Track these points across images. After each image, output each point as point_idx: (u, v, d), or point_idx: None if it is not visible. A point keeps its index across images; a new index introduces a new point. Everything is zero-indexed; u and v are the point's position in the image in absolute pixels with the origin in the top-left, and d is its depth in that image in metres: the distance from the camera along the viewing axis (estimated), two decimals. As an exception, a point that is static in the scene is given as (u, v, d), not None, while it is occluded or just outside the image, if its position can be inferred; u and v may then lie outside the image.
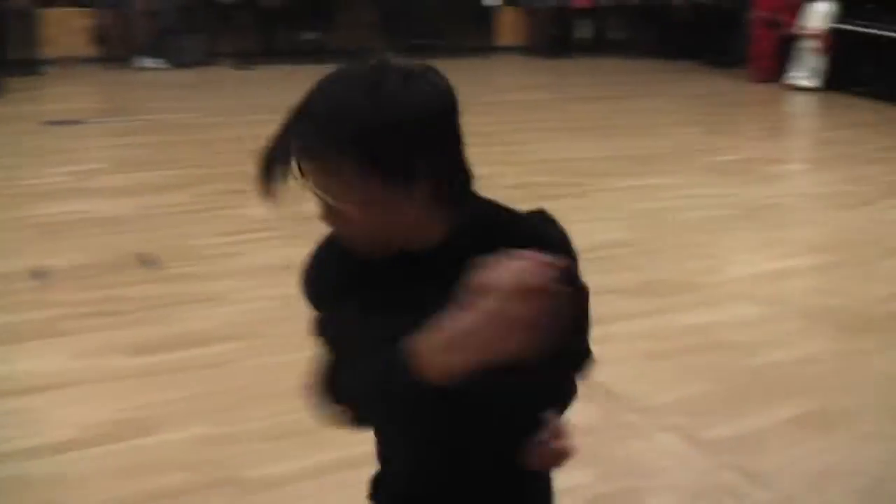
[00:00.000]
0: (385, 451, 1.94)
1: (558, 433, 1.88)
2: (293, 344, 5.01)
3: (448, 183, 1.64)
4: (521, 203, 5.68)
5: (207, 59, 13.10)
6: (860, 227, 7.89)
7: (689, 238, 7.27)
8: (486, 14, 15.26)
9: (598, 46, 16.37)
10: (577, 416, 4.40)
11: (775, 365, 5.24)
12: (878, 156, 10.70)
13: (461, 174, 1.71)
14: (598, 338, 5.39)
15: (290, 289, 5.26)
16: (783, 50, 14.97)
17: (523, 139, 9.89)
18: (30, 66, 11.77)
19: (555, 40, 15.67)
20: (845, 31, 14.44)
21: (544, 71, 14.68)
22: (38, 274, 5.82)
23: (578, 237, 6.18)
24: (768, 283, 6.41)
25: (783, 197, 8.67)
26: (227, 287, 5.79)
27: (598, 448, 4.24)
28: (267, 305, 5.51)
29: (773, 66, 15.06)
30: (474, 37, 15.22)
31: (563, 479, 3.91)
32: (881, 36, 13.98)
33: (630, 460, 4.21)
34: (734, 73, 15.65)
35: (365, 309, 1.61)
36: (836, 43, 14.41)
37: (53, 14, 12.33)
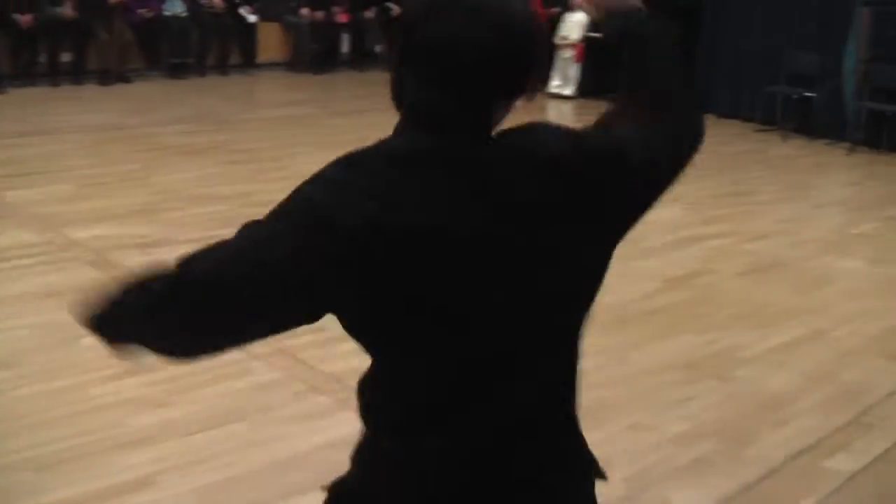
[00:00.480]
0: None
1: None
2: (60, 372, 4.94)
3: None
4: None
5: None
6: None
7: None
8: (249, 30, 15.16)
9: (359, 60, 16.45)
10: (342, 429, 4.49)
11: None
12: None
13: None
14: (359, 350, 5.46)
15: (53, 316, 5.19)
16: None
17: (284, 155, 9.87)
18: None
19: (316, 55, 15.68)
20: (597, 39, 14.92)
21: (306, 86, 14.68)
22: None
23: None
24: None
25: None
26: (-13, 316, 5.64)
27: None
28: (30, 334, 5.38)
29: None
30: (236, 54, 15.11)
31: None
32: (629, 44, 14.50)
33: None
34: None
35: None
36: (590, 51, 14.89)
37: None
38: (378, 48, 16.65)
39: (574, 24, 15.00)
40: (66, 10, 13.06)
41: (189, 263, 1.67)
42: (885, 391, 5.42)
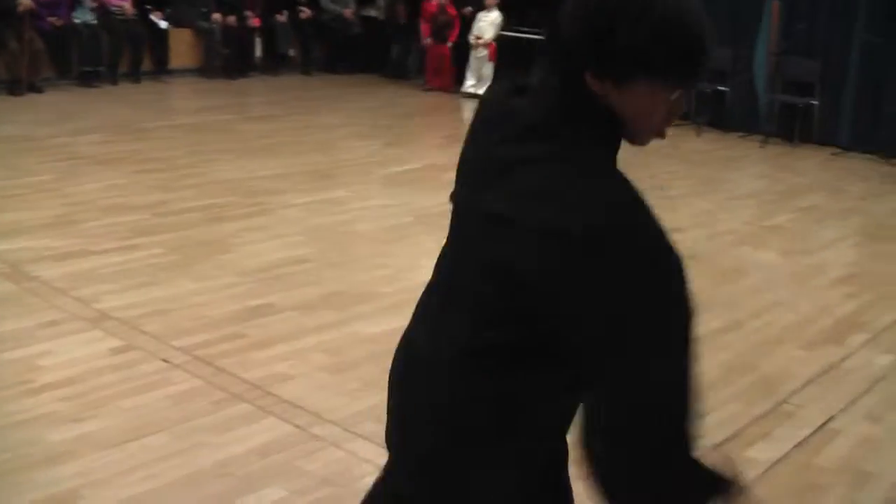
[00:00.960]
0: None
1: None
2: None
3: None
4: (204, 224, 5.62)
5: None
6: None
7: (369, 249, 7.39)
8: (161, 37, 15.00)
9: (272, 64, 16.37)
10: (265, 436, 4.48)
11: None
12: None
13: None
14: (281, 355, 5.45)
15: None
16: (455, 60, 15.47)
17: (198, 162, 9.79)
18: None
19: (229, 60, 15.57)
20: (511, 38, 15.02)
21: (220, 92, 14.55)
22: None
23: (258, 257, 6.24)
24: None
25: (459, 202, 8.89)
26: None
27: (290, 464, 4.29)
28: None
29: (446, 76, 15.52)
30: (148, 61, 14.94)
31: (255, 499, 3.96)
32: (541, 40, 14.62)
33: (326, 471, 4.26)
34: (406, 85, 16.04)
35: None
36: (503, 50, 14.98)
37: None
38: (291, 52, 16.59)
39: (487, 24, 15.07)
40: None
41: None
42: (803, 380, 5.50)
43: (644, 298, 1.66)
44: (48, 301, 5.99)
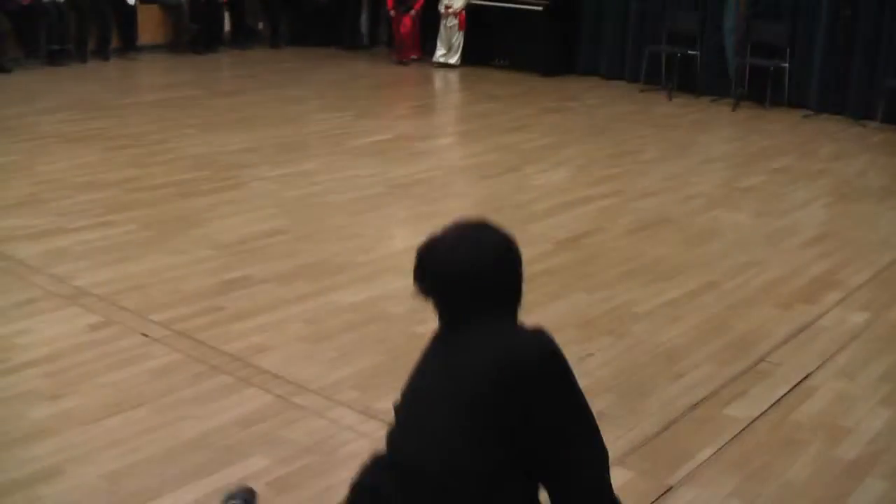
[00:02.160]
0: None
1: None
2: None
3: None
4: (177, 199, 5.66)
5: None
6: (506, 193, 8.26)
7: (342, 220, 7.39)
8: (129, 13, 14.88)
9: (241, 39, 16.29)
10: (247, 406, 4.50)
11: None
12: (518, 124, 11.20)
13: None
14: (259, 327, 5.46)
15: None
16: (423, 29, 15.42)
17: (169, 138, 9.76)
18: None
19: (197, 35, 15.49)
20: (480, 6, 15.00)
21: (188, 67, 14.47)
22: None
23: (232, 231, 6.24)
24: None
25: (431, 171, 8.91)
26: None
27: (272, 434, 4.31)
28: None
29: (415, 46, 15.48)
30: (116, 38, 14.83)
31: (238, 469, 3.98)
32: (512, 9, 14.62)
33: (308, 439, 4.28)
34: (376, 56, 15.98)
35: None
36: (473, 19, 14.97)
37: None
38: (260, 25, 16.52)
39: (455, -8, 15.05)
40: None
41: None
42: (779, 339, 5.54)
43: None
44: (24, 279, 5.98)
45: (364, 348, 5.24)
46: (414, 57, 15.47)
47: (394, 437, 2.65)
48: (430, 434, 2.48)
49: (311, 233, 7.05)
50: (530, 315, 5.58)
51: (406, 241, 6.98)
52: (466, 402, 2.43)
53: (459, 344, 2.52)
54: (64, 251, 6.48)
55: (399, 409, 2.67)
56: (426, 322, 5.40)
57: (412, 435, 2.56)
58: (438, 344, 2.65)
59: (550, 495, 2.50)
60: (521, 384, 2.40)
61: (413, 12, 15.27)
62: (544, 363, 2.46)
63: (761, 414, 4.67)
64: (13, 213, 7.22)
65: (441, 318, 2.62)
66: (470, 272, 2.54)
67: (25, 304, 5.61)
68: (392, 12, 15.39)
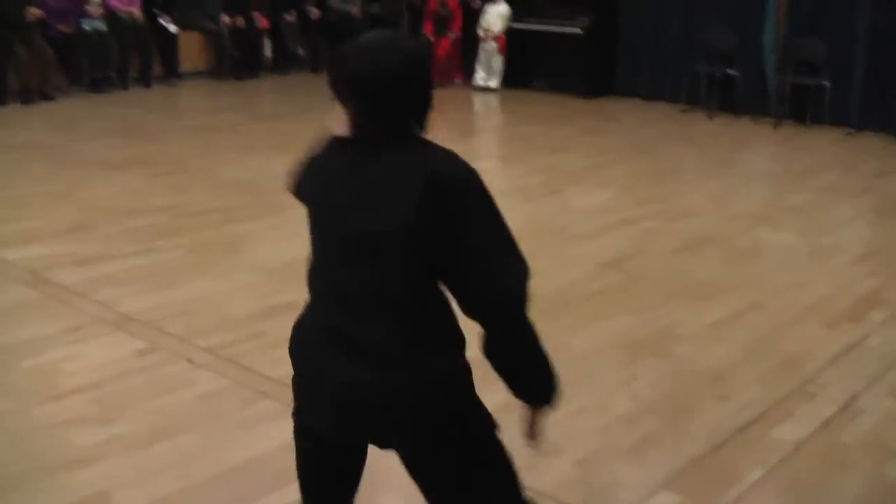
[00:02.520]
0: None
1: None
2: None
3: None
4: (221, 225, 5.68)
5: None
6: (548, 216, 8.25)
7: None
8: (170, 40, 15.01)
9: (282, 64, 16.38)
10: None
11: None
12: (559, 146, 11.21)
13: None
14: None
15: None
16: (462, 53, 15.46)
17: (211, 163, 9.83)
18: None
19: (238, 62, 15.60)
20: (519, 30, 15.03)
21: (230, 93, 14.56)
22: None
23: (275, 256, 6.25)
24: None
25: (473, 194, 8.88)
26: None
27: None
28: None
29: (456, 69, 15.52)
30: (158, 65, 14.96)
31: (285, 495, 3.95)
32: (551, 32, 14.65)
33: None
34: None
35: None
36: (512, 42, 14.99)
37: None
38: (300, 51, 16.60)
39: (496, 16, 15.07)
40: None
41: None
42: (825, 359, 5.50)
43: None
44: (70, 306, 6.03)
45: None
46: (458, 80, 15.50)
47: (318, 271, 2.76)
48: (356, 258, 2.59)
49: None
50: (574, 337, 5.60)
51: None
52: (392, 220, 2.50)
53: (378, 160, 2.58)
54: (110, 277, 6.53)
55: (317, 226, 2.75)
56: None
57: (337, 262, 2.65)
58: (347, 156, 2.66)
59: (463, 302, 2.59)
60: (446, 199, 2.49)
61: (452, 36, 15.32)
62: (468, 180, 2.57)
63: (809, 435, 4.64)
64: (60, 239, 7.29)
65: (355, 127, 2.62)
66: (395, 74, 2.53)
67: (72, 331, 5.65)
68: (431, 36, 15.44)
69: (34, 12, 13.09)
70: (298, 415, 2.89)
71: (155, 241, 7.28)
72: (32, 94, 13.12)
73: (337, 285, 2.65)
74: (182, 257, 6.97)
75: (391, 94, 2.53)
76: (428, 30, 15.49)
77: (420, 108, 2.63)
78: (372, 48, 2.56)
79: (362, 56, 2.55)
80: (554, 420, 4.58)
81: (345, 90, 2.59)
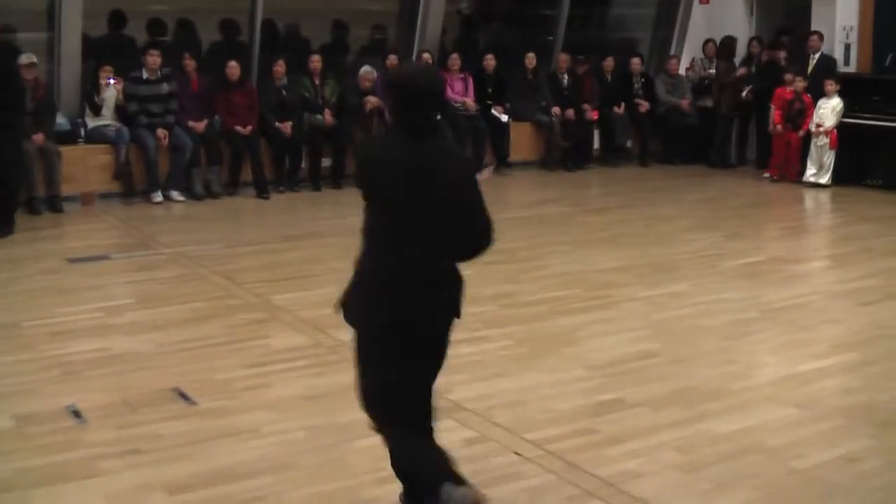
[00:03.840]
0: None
1: None
2: (332, 474, 5.03)
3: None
4: (550, 317, 5.74)
5: (228, 189, 13.13)
6: (886, 322, 7.87)
7: (715, 344, 7.25)
8: (502, 131, 15.33)
9: (609, 156, 16.41)
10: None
11: (818, 466, 5.22)
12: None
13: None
14: (632, 452, 5.37)
15: (318, 419, 5.30)
16: (793, 148, 15.08)
17: (540, 254, 9.91)
18: (51, 204, 11.88)
19: (568, 153, 15.76)
20: (852, 125, 14.57)
21: (559, 184, 14.70)
22: (71, 413, 5.81)
23: (605, 351, 6.20)
24: (798, 384, 6.38)
25: (806, 296, 8.62)
26: (258, 420, 5.77)
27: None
28: (297, 437, 5.51)
29: (785, 165, 15.14)
30: (490, 154, 15.28)
31: None
32: (887, 127, 14.13)
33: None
34: (744, 175, 15.67)
35: None
36: (844, 137, 14.54)
37: (73, 151, 12.42)
38: (629, 143, 16.62)
39: (828, 111, 14.65)
40: (326, 117, 13.57)
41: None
42: None
43: None
44: (401, 390, 6.14)
45: (739, 481, 5.08)
46: (792, 177, 15.02)
47: (379, 229, 4.26)
48: (407, 223, 4.15)
49: (683, 357, 6.94)
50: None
51: (782, 369, 6.79)
52: (433, 198, 4.08)
53: (424, 153, 4.12)
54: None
55: (375, 203, 4.28)
56: (805, 456, 5.23)
57: (394, 228, 4.17)
58: (398, 151, 4.16)
59: (451, 246, 4.22)
60: (465, 181, 4.19)
61: (801, 133, 14.91)
62: (472, 168, 4.59)
63: None
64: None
65: (407, 130, 4.15)
66: (437, 92, 4.24)
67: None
68: (778, 128, 15.10)
69: (373, 101, 13.68)
70: None
71: (486, 329, 7.36)
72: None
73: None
74: (512, 347, 7.03)
75: (436, 107, 4.23)
76: (777, 119, 15.15)
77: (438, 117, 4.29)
78: (428, 74, 4.41)
79: (426, 79, 4.24)
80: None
81: (410, 105, 4.14)
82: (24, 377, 6.45)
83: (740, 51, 16.66)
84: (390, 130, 4.37)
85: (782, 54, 15.70)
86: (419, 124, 4.09)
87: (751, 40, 16.66)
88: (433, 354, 4.39)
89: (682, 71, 16.99)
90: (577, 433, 5.55)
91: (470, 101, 15.04)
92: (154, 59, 12.74)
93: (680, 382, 6.42)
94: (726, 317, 7.89)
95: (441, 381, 6.21)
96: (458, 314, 4.41)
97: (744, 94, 16.05)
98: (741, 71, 16.18)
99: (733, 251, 10.35)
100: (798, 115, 14.98)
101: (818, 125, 14.69)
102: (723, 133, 16.45)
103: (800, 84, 14.85)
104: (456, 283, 4.34)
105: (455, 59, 15.07)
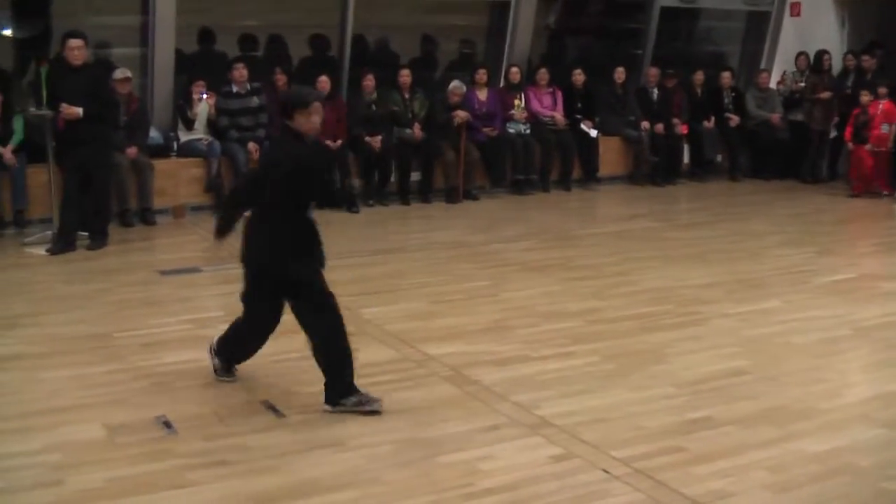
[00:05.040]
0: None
1: None
2: (417, 489, 5.05)
3: None
4: (638, 333, 5.67)
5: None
6: None
7: (805, 362, 7.16)
8: (591, 145, 15.28)
9: (698, 171, 16.28)
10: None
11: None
12: None
13: None
14: (721, 471, 5.32)
15: (404, 434, 5.33)
16: (870, 162, 14.82)
17: (628, 270, 9.86)
18: (143, 217, 12.07)
19: (656, 168, 15.67)
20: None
21: (646, 199, 14.60)
22: (162, 424, 5.89)
23: (694, 368, 6.16)
24: (889, 404, 6.27)
25: (899, 314, 8.50)
26: (345, 433, 5.80)
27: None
28: (383, 451, 5.53)
29: (879, 180, 14.90)
30: (578, 169, 15.26)
31: None
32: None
33: None
34: (835, 190, 15.44)
35: None
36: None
37: (165, 164, 12.62)
38: (718, 157, 16.48)
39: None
40: (415, 132, 13.64)
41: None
42: None
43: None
44: (489, 405, 6.17)
45: (829, 503, 5.00)
46: (885, 192, 14.79)
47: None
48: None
49: (773, 375, 6.86)
50: None
51: (873, 388, 6.69)
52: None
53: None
54: (528, 379, 6.64)
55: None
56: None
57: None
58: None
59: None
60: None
61: (868, 146, 14.69)
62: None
63: None
64: (481, 338, 7.50)
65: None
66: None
67: (490, 430, 5.77)
68: (850, 144, 14.93)
69: (461, 116, 13.74)
70: None
71: (573, 345, 7.34)
72: (457, 193, 13.68)
73: None
74: (599, 364, 7.00)
75: None
76: (847, 136, 14.97)
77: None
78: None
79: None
80: None
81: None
82: (116, 387, 6.54)
83: (834, 64, 16.43)
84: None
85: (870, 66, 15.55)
86: None
87: (845, 54, 16.44)
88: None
89: (772, 85, 16.81)
90: (666, 451, 5.50)
91: (559, 115, 15.03)
92: (240, 72, 12.87)
93: (770, 401, 6.35)
94: (817, 334, 7.79)
95: (527, 398, 6.27)
96: None
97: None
98: (825, 94, 15.93)
99: (824, 267, 10.22)
100: (863, 126, 14.78)
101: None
102: (815, 148, 16.24)
103: (865, 98, 14.67)
104: None
105: (543, 74, 15.08)
